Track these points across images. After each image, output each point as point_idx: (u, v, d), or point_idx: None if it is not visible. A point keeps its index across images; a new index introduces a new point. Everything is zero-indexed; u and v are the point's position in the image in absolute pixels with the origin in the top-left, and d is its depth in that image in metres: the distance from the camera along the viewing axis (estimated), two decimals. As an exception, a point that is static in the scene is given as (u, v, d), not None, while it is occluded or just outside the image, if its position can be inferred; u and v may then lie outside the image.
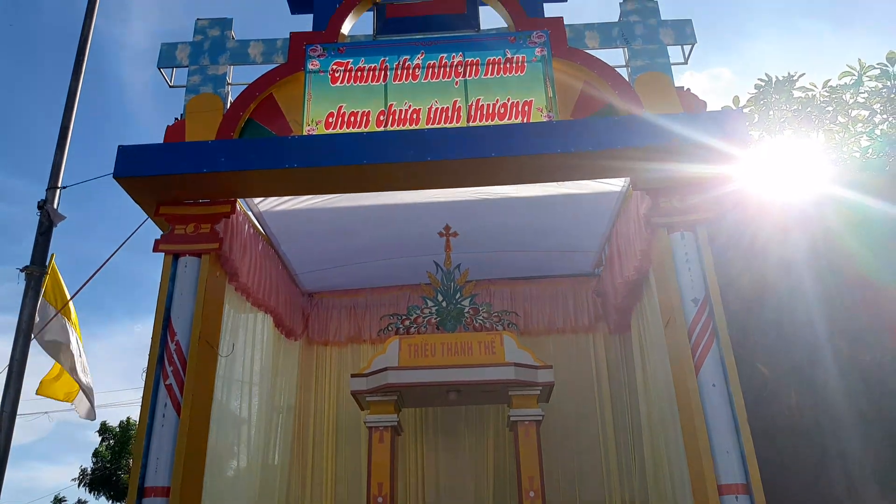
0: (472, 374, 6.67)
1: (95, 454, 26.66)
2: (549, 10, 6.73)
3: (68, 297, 6.41)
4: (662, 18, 6.59)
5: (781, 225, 7.83)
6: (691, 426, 5.07)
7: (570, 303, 8.83)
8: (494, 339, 6.84)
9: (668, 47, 6.44)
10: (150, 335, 5.44)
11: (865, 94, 7.60)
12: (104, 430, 26.73)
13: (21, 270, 5.82)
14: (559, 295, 8.90)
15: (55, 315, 6.31)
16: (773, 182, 7.51)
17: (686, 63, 6.49)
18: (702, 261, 5.52)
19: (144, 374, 5.44)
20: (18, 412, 5.73)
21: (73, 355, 6.51)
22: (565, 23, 6.51)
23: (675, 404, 5.55)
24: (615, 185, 6.84)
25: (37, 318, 5.91)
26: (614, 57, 6.45)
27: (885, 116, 7.44)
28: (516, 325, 7.75)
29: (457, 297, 7.46)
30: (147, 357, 5.42)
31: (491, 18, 6.90)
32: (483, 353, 6.77)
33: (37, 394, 6.59)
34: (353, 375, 7.08)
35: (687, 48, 6.49)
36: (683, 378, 5.21)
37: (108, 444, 26.65)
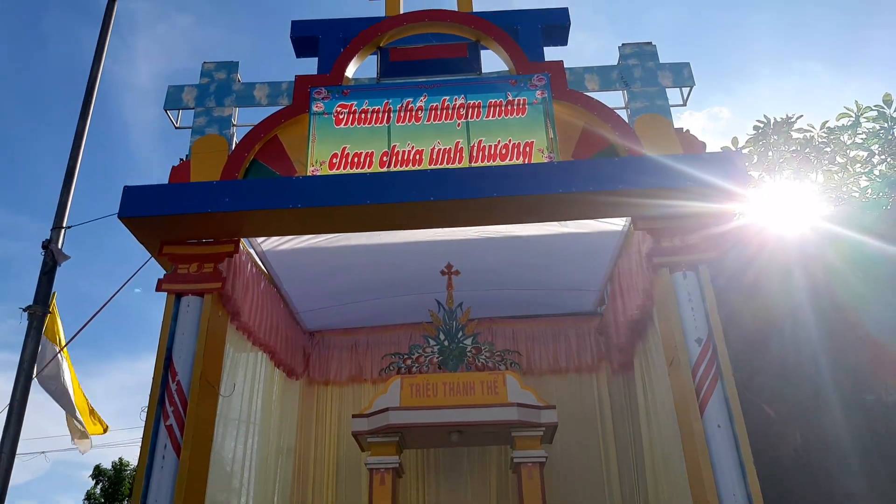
0: (475, 414, 6.61)
1: (88, 496, 26.22)
2: (550, 54, 6.86)
3: (68, 337, 6.40)
4: (661, 61, 6.72)
5: (782, 264, 7.86)
6: (696, 468, 5.00)
7: (572, 342, 8.79)
8: (497, 379, 6.80)
9: (667, 89, 6.54)
10: (148, 373, 5.41)
11: (863, 136, 7.70)
12: (98, 472, 26.31)
13: (24, 310, 5.81)
14: (561, 334, 8.87)
15: (56, 354, 6.29)
16: (773, 221, 7.57)
17: (685, 105, 6.60)
18: (704, 300, 5.51)
19: (144, 414, 5.40)
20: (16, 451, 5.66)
21: (69, 396, 6.50)
22: (565, 66, 6.63)
23: (679, 445, 5.48)
24: (617, 224, 6.88)
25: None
26: (614, 99, 6.58)
27: (883, 157, 7.53)
28: (519, 364, 7.71)
29: (459, 335, 7.44)
30: (145, 396, 5.38)
31: (492, 62, 7.04)
32: (486, 393, 6.72)
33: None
34: (354, 416, 7.02)
35: (685, 90, 6.60)
36: (688, 419, 5.15)
37: (103, 485, 26.22)
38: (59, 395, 6.42)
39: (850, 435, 6.95)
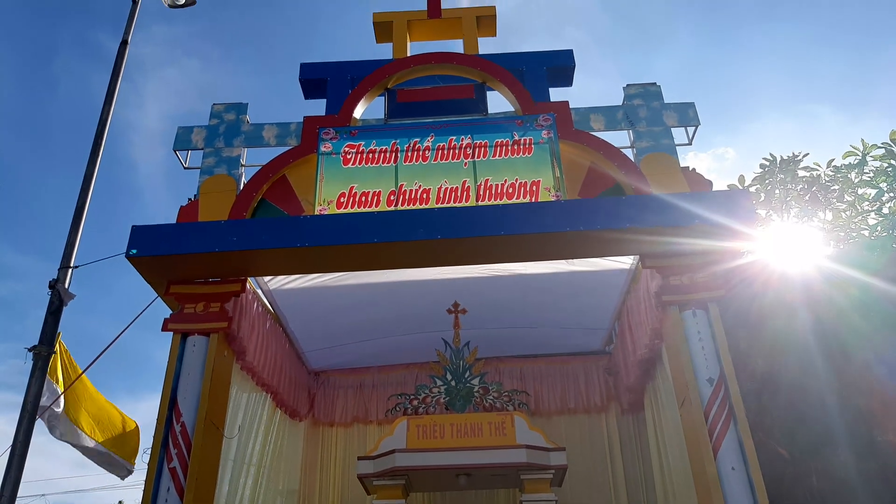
0: (483, 456, 6.49)
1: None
2: (555, 95, 6.95)
3: (74, 378, 6.34)
4: (665, 101, 6.78)
5: (790, 304, 7.80)
6: (711, 512, 4.88)
7: (581, 381, 8.69)
8: (505, 420, 6.69)
9: (673, 129, 6.59)
10: (149, 413, 5.36)
11: (871, 174, 7.72)
12: (97, 517, 25.85)
13: (29, 350, 5.77)
14: (570, 373, 8.77)
15: (59, 395, 6.23)
16: (780, 260, 7.53)
17: (690, 144, 6.63)
18: (715, 339, 5.46)
19: (146, 456, 5.32)
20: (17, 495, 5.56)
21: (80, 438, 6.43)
22: (571, 106, 6.70)
23: (692, 488, 5.37)
24: (624, 262, 6.86)
25: (43, 398, 5.83)
26: (619, 138, 6.61)
27: (892, 195, 7.53)
28: (527, 404, 7.60)
29: (466, 375, 7.35)
30: (147, 436, 5.32)
31: (498, 102, 7.12)
32: (493, 435, 6.61)
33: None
34: (359, 458, 6.90)
35: (691, 129, 6.64)
36: (701, 461, 5.06)
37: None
38: (69, 435, 6.34)
39: (862, 477, 6.81)
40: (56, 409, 6.25)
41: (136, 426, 7.27)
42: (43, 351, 5.77)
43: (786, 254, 7.90)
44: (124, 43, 7.75)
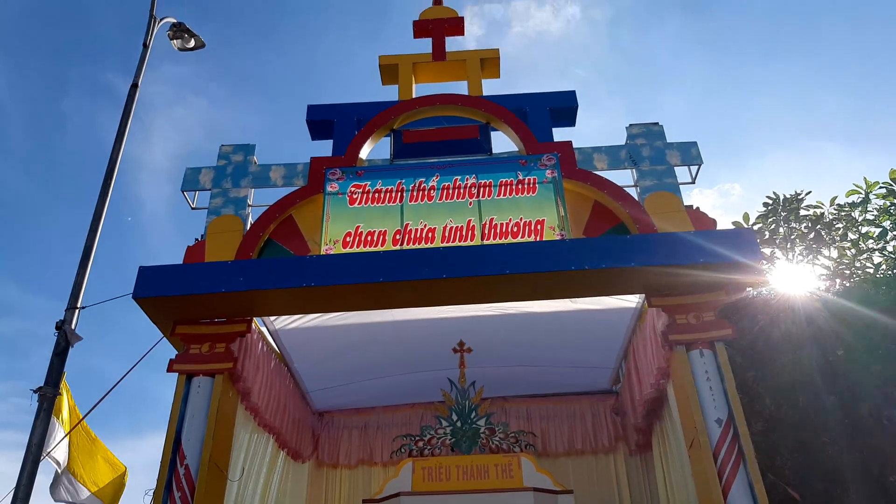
0: (490, 499, 6.39)
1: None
2: (559, 134, 7.02)
3: (78, 419, 6.32)
4: (668, 141, 6.84)
5: (797, 341, 7.76)
6: (723, 557, 4.78)
7: (588, 422, 8.59)
8: (512, 462, 6.61)
9: (676, 167, 6.63)
10: (151, 453, 5.32)
11: (874, 212, 7.74)
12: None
13: (34, 391, 5.76)
14: (577, 414, 8.68)
15: (64, 437, 6.19)
16: (786, 298, 7.52)
17: (693, 183, 6.66)
18: (723, 379, 5.40)
19: (148, 498, 5.26)
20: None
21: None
22: (574, 146, 6.77)
23: (703, 532, 5.26)
24: (630, 300, 6.85)
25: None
26: (623, 177, 6.66)
27: (895, 233, 7.54)
28: (534, 446, 7.52)
29: (472, 416, 7.28)
30: (149, 476, 5.27)
31: (502, 142, 7.20)
32: (500, 477, 6.52)
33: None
34: (364, 501, 6.81)
35: (694, 168, 6.68)
36: (711, 503, 4.96)
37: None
38: (71, 494, 6.30)
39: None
40: (58, 469, 6.21)
41: (125, 470, 7.19)
42: (48, 392, 5.76)
43: (792, 292, 7.88)
44: (135, 86, 7.91)
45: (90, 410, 6.24)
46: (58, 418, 6.18)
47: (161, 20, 8.61)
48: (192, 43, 9.03)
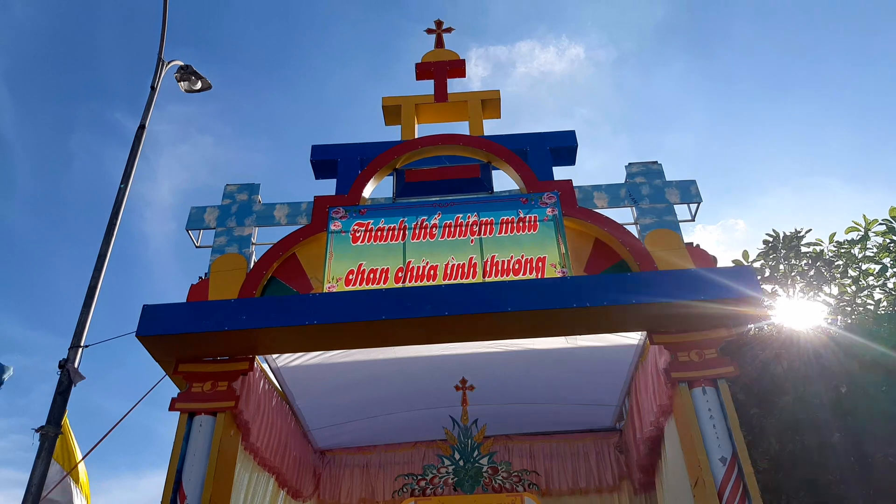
0: (493, 539, 6.31)
1: None
2: (559, 173, 7.12)
3: (78, 460, 6.29)
4: (668, 179, 6.92)
5: (801, 378, 7.72)
6: None
7: (591, 460, 8.52)
8: (515, 502, 6.53)
9: (675, 205, 6.70)
10: (151, 491, 5.29)
11: (874, 249, 7.78)
12: None
13: (36, 431, 5.74)
14: (580, 452, 8.61)
15: (64, 477, 6.15)
16: (789, 336, 7.51)
17: (693, 220, 6.73)
18: (726, 417, 5.38)
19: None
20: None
21: None
22: (574, 184, 6.86)
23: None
24: (633, 338, 6.86)
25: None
26: (623, 215, 6.73)
27: (895, 270, 7.57)
28: (537, 485, 7.42)
29: (474, 454, 7.22)
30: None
31: (503, 181, 7.30)
32: (503, 517, 6.44)
33: None
34: (366, 541, 6.72)
35: (693, 206, 6.75)
36: (717, 544, 4.91)
37: None
38: None
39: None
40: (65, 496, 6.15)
41: None
42: (50, 431, 5.74)
43: (794, 328, 7.87)
44: (142, 128, 8.04)
45: (91, 450, 6.21)
46: (59, 461, 6.15)
47: (169, 63, 8.79)
48: (199, 85, 9.21)
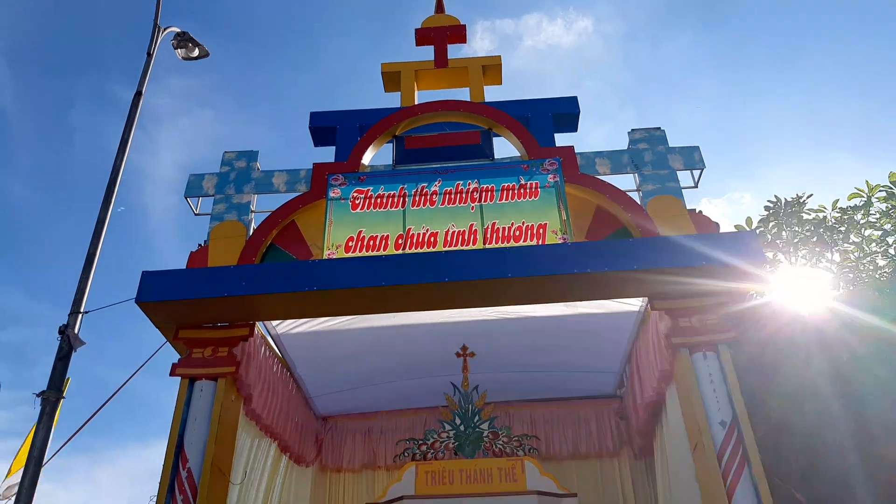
0: (493, 503, 6.37)
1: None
2: (560, 140, 7.04)
3: (80, 425, 6.32)
4: (671, 145, 6.85)
5: (803, 347, 7.72)
6: (728, 560, 4.75)
7: (592, 426, 8.58)
8: (515, 466, 6.58)
9: (678, 172, 6.64)
10: (157, 460, 5.33)
11: (876, 215, 7.72)
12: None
13: (37, 395, 5.77)
14: (581, 418, 8.66)
15: (66, 444, 6.20)
16: (790, 302, 7.49)
17: (696, 187, 6.67)
18: (727, 381, 5.39)
19: (152, 503, 5.26)
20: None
21: None
22: (576, 151, 6.78)
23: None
24: (633, 304, 6.84)
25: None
26: (625, 182, 6.67)
27: (896, 236, 7.53)
28: (537, 450, 7.49)
29: (475, 420, 7.26)
30: (154, 484, 5.26)
31: (505, 148, 7.22)
32: (504, 481, 6.49)
33: None
34: (367, 505, 6.80)
35: (696, 173, 6.69)
36: (715, 507, 4.94)
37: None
38: None
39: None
40: None
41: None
42: (51, 396, 5.77)
43: (796, 296, 7.85)
44: (138, 94, 7.96)
45: (92, 416, 6.25)
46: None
47: (165, 29, 8.67)
48: (196, 52, 9.09)
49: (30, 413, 5.80)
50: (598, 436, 8.49)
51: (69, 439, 6.28)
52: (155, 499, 5.32)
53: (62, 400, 6.02)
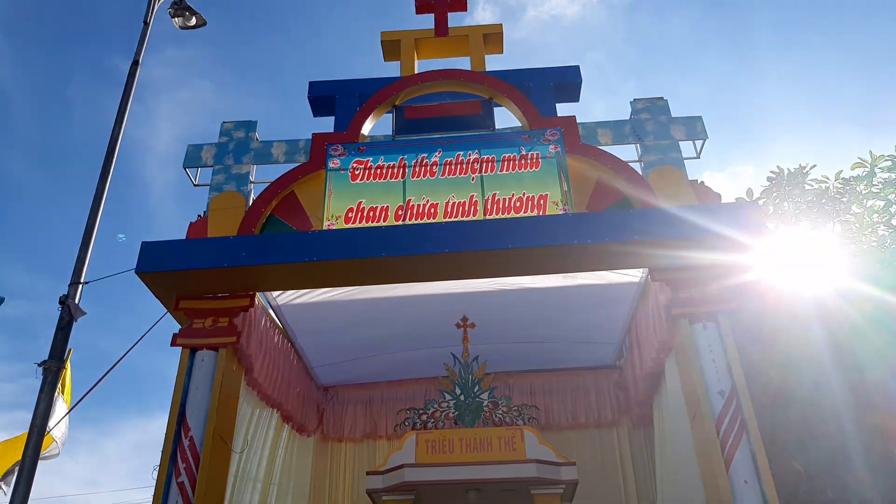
0: (493, 471, 6.44)
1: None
2: (562, 110, 6.98)
3: (77, 393, 6.37)
4: (673, 115, 6.78)
5: (802, 318, 7.73)
6: (724, 527, 4.81)
7: (591, 396, 8.63)
8: (515, 435, 6.64)
9: (680, 142, 6.59)
10: (160, 432, 5.37)
11: (879, 185, 7.67)
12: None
13: (39, 365, 5.80)
14: (580, 388, 8.72)
15: (68, 412, 6.25)
16: (791, 274, 7.47)
17: (698, 157, 6.62)
18: (726, 352, 5.41)
19: (156, 473, 5.31)
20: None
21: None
22: (578, 121, 6.72)
23: (704, 502, 5.29)
24: (634, 275, 6.84)
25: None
26: (627, 152, 6.62)
27: (900, 206, 7.49)
28: (537, 419, 7.55)
29: (475, 390, 7.31)
30: (158, 455, 5.31)
31: (505, 118, 7.15)
32: (503, 450, 6.55)
33: None
34: (368, 473, 6.87)
35: (698, 143, 6.64)
36: (713, 474, 5.00)
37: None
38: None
39: (878, 493, 6.71)
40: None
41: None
42: (52, 366, 5.80)
43: (797, 267, 7.84)
44: (135, 63, 7.87)
45: (95, 384, 6.28)
46: (62, 394, 6.23)
47: (162, -3, 8.54)
48: (193, 21, 8.96)
49: (33, 385, 5.85)
50: (598, 406, 8.55)
51: (72, 408, 6.34)
52: (157, 467, 5.37)
53: (64, 370, 6.05)
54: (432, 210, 6.26)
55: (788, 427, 7.52)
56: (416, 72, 7.58)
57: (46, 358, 5.92)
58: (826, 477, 6.70)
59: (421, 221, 6.14)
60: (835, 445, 7.28)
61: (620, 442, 8.38)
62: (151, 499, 5.17)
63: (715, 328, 5.55)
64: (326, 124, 7.16)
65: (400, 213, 6.23)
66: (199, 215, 6.48)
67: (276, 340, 7.06)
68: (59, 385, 6.14)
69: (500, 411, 7.13)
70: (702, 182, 6.29)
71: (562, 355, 8.61)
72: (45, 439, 6.10)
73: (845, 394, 7.60)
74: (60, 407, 6.25)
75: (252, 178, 6.73)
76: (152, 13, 8.32)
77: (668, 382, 6.40)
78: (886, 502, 6.54)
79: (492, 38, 7.87)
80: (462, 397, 7.25)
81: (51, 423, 6.07)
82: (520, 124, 6.94)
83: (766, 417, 7.48)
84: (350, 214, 6.25)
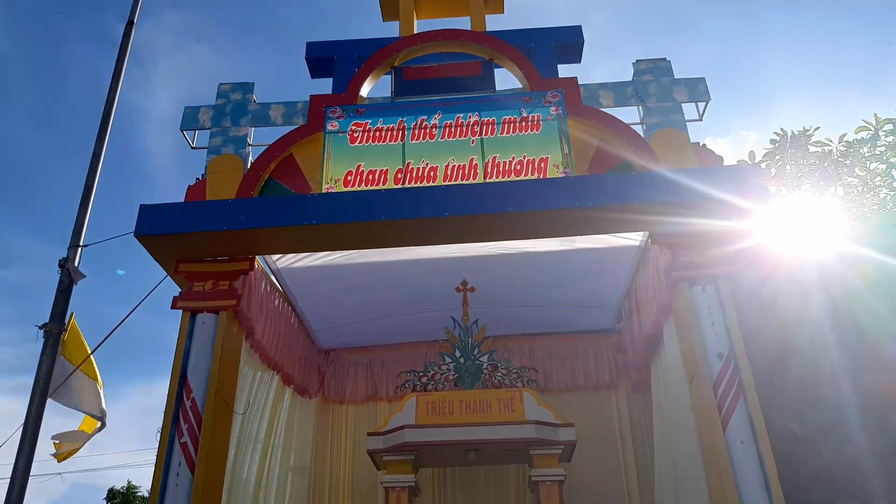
0: (492, 432, 6.52)
1: (100, 519, 26.13)
2: (563, 71, 6.86)
3: (88, 353, 6.39)
4: (676, 77, 6.68)
5: (801, 282, 7.73)
6: (719, 485, 4.89)
7: (590, 359, 8.69)
8: (514, 397, 6.71)
9: (683, 104, 6.51)
10: (163, 396, 5.40)
11: (883, 148, 7.61)
12: (112, 495, 26.37)
13: (40, 328, 5.83)
14: (579, 351, 8.77)
15: (74, 371, 6.28)
16: (791, 237, 7.46)
17: (701, 120, 6.54)
18: (725, 315, 5.43)
19: (159, 434, 5.37)
20: (33, 473, 5.65)
21: (98, 399, 6.39)
22: (579, 82, 6.62)
23: (700, 463, 5.37)
24: (634, 239, 6.82)
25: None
26: (629, 114, 6.54)
27: (902, 169, 7.44)
28: (536, 381, 7.61)
29: (475, 353, 7.37)
30: (161, 418, 5.36)
31: (506, 79, 7.04)
32: (502, 411, 6.63)
33: (60, 461, 6.48)
34: (369, 434, 6.97)
35: (701, 105, 6.56)
36: (710, 435, 5.05)
37: (116, 506, 26.19)
38: (87, 403, 6.30)
39: (874, 456, 6.80)
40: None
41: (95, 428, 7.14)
42: (53, 328, 5.83)
43: (798, 231, 7.82)
44: (130, 24, 7.74)
45: (95, 348, 6.32)
46: (67, 356, 6.26)
47: (155, -46, 8.36)
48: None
49: (36, 349, 5.88)
50: (596, 369, 8.61)
51: (73, 371, 6.36)
52: (160, 429, 5.43)
53: (65, 333, 6.08)
54: (432, 173, 6.21)
55: (786, 389, 7.58)
56: (415, 32, 7.45)
57: (47, 321, 5.95)
58: (823, 440, 6.77)
59: (420, 185, 6.10)
60: (832, 410, 7.35)
61: (619, 404, 8.46)
62: (154, 460, 5.24)
63: (714, 291, 5.56)
64: (325, 86, 7.07)
65: (399, 176, 6.19)
66: (197, 178, 6.44)
67: (276, 303, 7.08)
68: (69, 350, 6.14)
69: (499, 373, 7.20)
70: (704, 145, 6.23)
71: (561, 319, 8.63)
72: (91, 423, 6.18)
73: (844, 358, 7.65)
74: (90, 388, 6.22)
75: (250, 141, 6.67)
76: (146, -29, 8.15)
77: (667, 346, 6.43)
78: (881, 463, 6.63)
79: (493, -4, 7.72)
80: (462, 360, 7.31)
81: (90, 404, 6.09)
82: (521, 86, 6.84)
83: (763, 380, 7.53)
84: (349, 178, 6.20)
